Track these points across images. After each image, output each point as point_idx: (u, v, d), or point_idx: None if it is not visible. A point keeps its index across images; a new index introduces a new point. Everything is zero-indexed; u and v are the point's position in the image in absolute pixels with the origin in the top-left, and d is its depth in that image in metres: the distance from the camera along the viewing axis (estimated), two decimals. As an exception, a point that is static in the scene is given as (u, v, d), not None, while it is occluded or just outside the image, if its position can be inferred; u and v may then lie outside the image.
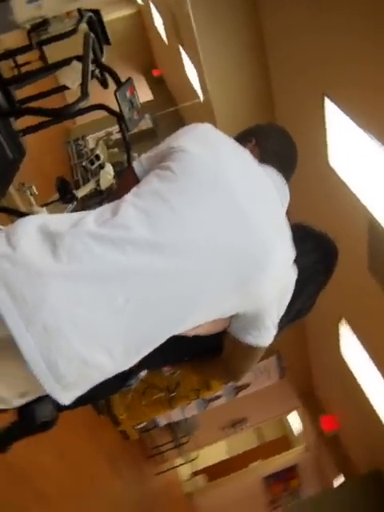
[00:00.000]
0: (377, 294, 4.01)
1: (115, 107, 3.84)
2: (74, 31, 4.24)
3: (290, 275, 1.36)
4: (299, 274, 1.40)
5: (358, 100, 3.46)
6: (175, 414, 7.38)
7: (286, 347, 6.35)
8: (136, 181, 1.29)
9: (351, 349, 5.51)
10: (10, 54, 4.24)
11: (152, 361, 1.32)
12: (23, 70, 4.73)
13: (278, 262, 1.26)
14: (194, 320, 1.27)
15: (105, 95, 4.15)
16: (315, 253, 1.63)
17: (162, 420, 7.41)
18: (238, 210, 1.22)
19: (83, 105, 3.14)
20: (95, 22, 4.06)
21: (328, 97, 3.82)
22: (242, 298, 1.27)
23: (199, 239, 1.18)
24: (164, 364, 1.65)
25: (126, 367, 1.22)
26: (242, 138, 1.49)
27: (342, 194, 4.04)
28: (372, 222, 3.72)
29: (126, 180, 1.37)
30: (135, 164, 1.35)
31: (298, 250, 1.36)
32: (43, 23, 4.09)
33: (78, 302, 1.08)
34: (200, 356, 1.55)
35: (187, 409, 7.43)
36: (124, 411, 6.12)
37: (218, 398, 7.72)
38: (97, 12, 3.98)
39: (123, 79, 3.77)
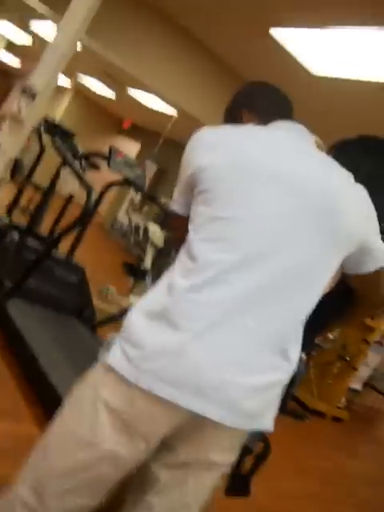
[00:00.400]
0: None
1: (117, 177, 3.97)
2: (43, 150, 4.45)
3: (362, 196, 1.32)
4: (371, 183, 1.37)
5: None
6: (363, 372, 7.23)
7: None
8: (184, 219, 1.30)
9: None
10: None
11: (303, 344, 1.35)
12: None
13: (343, 198, 1.25)
14: (318, 294, 1.28)
15: (103, 174, 4.30)
16: (367, 157, 1.61)
17: (356, 385, 7.27)
18: (280, 178, 1.21)
19: (95, 196, 3.28)
20: (51, 127, 4.24)
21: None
22: (340, 246, 1.26)
23: (272, 229, 1.19)
24: (313, 338, 1.63)
25: (292, 367, 1.25)
26: (233, 117, 1.48)
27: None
28: None
29: (176, 224, 1.38)
30: (173, 207, 1.36)
31: (353, 166, 1.34)
32: (16, 164, 4.32)
33: (220, 348, 1.14)
34: (336, 310, 1.55)
35: (370, 360, 7.26)
36: (319, 401, 6.07)
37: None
38: (45, 120, 4.15)
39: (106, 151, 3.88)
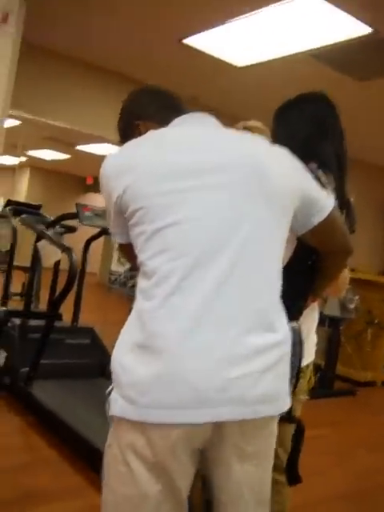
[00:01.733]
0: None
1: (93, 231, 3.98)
2: (15, 231, 4.48)
3: (282, 153, 1.32)
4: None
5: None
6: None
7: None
8: (129, 245, 1.28)
9: None
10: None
11: (290, 310, 1.35)
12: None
13: (265, 160, 1.25)
14: (279, 257, 1.26)
15: (85, 234, 4.31)
16: (303, 111, 1.66)
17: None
18: (202, 169, 1.20)
19: (78, 255, 3.29)
20: (15, 207, 4.27)
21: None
22: (282, 204, 1.25)
23: (212, 220, 1.18)
24: (301, 306, 1.61)
25: (285, 336, 1.24)
26: (130, 134, 1.43)
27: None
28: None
29: (128, 254, 1.36)
30: (115, 239, 1.36)
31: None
32: None
33: (206, 352, 1.12)
34: (309, 272, 1.54)
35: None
36: (364, 371, 6.00)
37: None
38: (8, 203, 4.18)
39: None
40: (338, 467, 3.50)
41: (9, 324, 3.89)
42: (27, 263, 5.41)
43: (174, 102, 1.46)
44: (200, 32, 3.74)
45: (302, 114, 1.69)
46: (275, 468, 1.74)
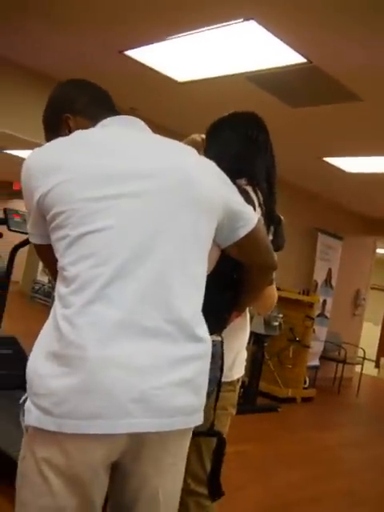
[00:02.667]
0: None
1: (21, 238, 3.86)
2: None
3: (209, 165, 1.35)
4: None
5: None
6: (316, 347, 7.42)
7: None
8: (48, 247, 1.24)
9: None
10: None
11: (213, 323, 1.37)
12: None
13: (193, 169, 1.27)
14: (204, 265, 1.28)
15: (11, 241, 4.17)
16: (236, 128, 1.70)
17: (314, 361, 7.44)
18: (129, 174, 1.20)
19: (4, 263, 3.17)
20: None
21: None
22: (207, 212, 1.27)
23: (137, 227, 1.17)
24: (226, 319, 1.65)
25: (207, 347, 1.25)
26: (57, 127, 1.41)
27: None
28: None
29: (44, 255, 1.32)
30: (32, 240, 1.31)
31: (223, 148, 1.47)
32: None
33: (125, 363, 1.11)
34: (233, 286, 1.56)
35: (318, 334, 7.46)
36: (285, 388, 6.15)
37: (324, 303, 7.75)
38: None
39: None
40: (259, 483, 3.56)
41: None
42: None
43: (103, 98, 1.43)
44: (141, 46, 3.75)
45: (233, 130, 1.74)
46: (197, 481, 1.75)
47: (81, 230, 1.15)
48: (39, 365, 1.14)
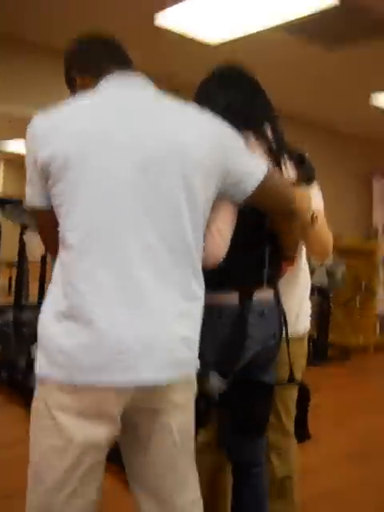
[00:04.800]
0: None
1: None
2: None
3: (204, 119, 1.33)
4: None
5: None
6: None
7: None
8: (51, 213, 1.27)
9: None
10: None
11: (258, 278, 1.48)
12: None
13: (183, 133, 1.26)
14: (201, 226, 1.30)
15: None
16: (222, 90, 1.61)
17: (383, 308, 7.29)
18: (118, 144, 1.22)
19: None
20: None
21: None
22: (203, 178, 1.27)
23: (122, 192, 1.21)
24: (276, 274, 1.63)
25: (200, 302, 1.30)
26: (71, 87, 1.44)
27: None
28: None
29: (45, 221, 1.33)
30: (33, 202, 1.30)
31: (210, 101, 1.45)
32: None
33: (125, 319, 1.18)
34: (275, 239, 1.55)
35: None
36: (357, 337, 6.09)
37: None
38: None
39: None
40: (339, 430, 3.58)
41: (0, 320, 3.89)
42: (10, 258, 5.38)
43: (111, 52, 1.42)
44: (170, 6, 3.67)
45: (231, 83, 1.65)
46: (274, 429, 1.79)
47: (77, 199, 1.20)
48: (49, 324, 1.22)
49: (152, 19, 3.86)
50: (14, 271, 4.90)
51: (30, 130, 1.27)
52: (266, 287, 1.56)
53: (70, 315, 1.18)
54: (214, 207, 1.35)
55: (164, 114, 1.30)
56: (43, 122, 1.26)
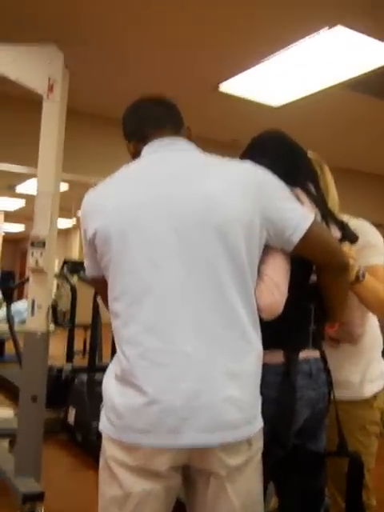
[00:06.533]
0: None
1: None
2: (74, 290, 4.56)
3: (241, 170, 1.33)
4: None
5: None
6: None
7: None
8: (103, 280, 1.35)
9: None
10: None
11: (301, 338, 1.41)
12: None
13: (218, 193, 1.26)
14: (244, 286, 1.27)
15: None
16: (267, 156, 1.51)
17: None
18: (156, 211, 1.26)
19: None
20: (72, 266, 4.36)
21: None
22: (243, 238, 1.26)
23: (160, 261, 1.24)
24: (320, 331, 1.53)
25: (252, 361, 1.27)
26: (132, 155, 1.48)
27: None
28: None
29: (98, 287, 1.46)
30: (88, 272, 1.43)
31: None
32: (54, 310, 4.47)
33: (169, 385, 1.20)
34: (314, 294, 1.46)
35: None
36: None
37: None
38: (65, 262, 4.27)
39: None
40: None
41: (75, 381, 3.95)
42: (84, 321, 5.51)
43: (154, 115, 1.46)
44: (234, 76, 3.82)
45: (277, 143, 1.63)
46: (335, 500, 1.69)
47: (118, 268, 1.27)
48: (108, 383, 1.30)
49: (216, 87, 4.01)
50: (89, 334, 5.00)
51: (82, 207, 1.39)
52: (312, 347, 1.46)
53: (122, 378, 1.25)
54: (268, 258, 1.33)
55: (200, 174, 1.32)
56: (90, 199, 1.38)
